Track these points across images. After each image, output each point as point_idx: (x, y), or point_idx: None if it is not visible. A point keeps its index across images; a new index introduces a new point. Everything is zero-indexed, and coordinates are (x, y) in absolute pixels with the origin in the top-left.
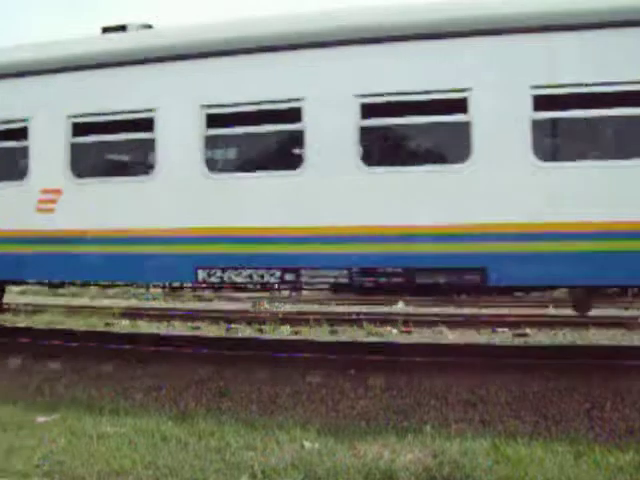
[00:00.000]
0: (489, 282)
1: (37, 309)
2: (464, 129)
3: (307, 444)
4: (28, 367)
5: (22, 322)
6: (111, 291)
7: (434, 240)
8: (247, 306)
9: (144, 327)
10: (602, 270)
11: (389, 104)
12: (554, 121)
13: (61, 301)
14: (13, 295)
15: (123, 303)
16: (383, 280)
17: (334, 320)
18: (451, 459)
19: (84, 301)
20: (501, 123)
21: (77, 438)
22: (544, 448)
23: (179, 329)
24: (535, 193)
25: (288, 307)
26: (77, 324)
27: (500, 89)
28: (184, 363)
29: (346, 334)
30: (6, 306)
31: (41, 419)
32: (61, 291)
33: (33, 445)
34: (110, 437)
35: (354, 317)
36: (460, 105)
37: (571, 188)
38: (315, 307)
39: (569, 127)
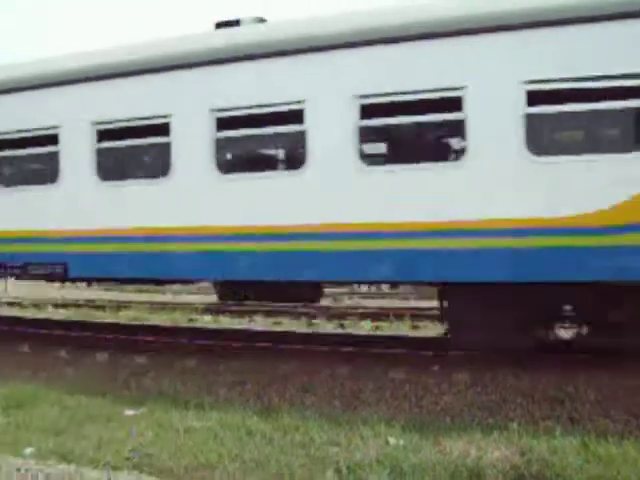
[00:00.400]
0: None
1: (122, 305)
2: None
3: (392, 440)
4: (115, 361)
5: (108, 318)
6: (193, 287)
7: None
8: (327, 302)
9: (226, 323)
10: None
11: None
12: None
13: (145, 297)
14: (101, 291)
15: (205, 299)
16: None
17: (415, 316)
18: (539, 457)
19: (167, 297)
20: None
21: (164, 431)
22: (636, 448)
23: (261, 324)
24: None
25: (369, 302)
26: (161, 320)
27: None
28: (266, 358)
29: (428, 329)
30: (92, 303)
31: (129, 412)
32: (144, 287)
33: (122, 437)
34: (196, 431)
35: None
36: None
37: None
38: (396, 302)
39: None
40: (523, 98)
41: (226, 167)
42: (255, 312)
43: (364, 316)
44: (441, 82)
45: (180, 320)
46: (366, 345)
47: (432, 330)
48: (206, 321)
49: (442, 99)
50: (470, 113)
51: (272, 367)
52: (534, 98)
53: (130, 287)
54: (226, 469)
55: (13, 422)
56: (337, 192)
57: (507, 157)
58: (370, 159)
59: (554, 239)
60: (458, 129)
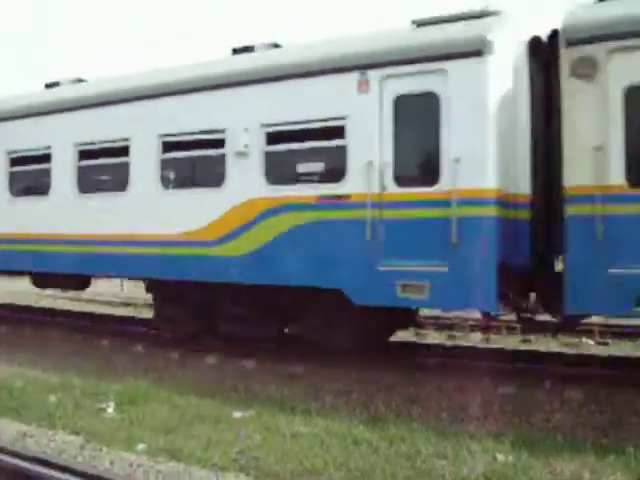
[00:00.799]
0: None
1: None
2: None
3: (500, 456)
4: (224, 365)
5: None
6: None
7: None
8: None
9: None
10: None
11: None
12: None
13: None
14: None
15: None
16: None
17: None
18: None
19: None
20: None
21: (271, 435)
22: None
23: None
24: None
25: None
26: None
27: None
28: (373, 368)
29: (539, 343)
30: None
31: (237, 414)
32: None
33: (230, 439)
34: (303, 436)
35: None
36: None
37: None
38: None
39: None
40: (160, 147)
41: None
42: None
43: (474, 327)
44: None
45: None
46: (475, 358)
47: (543, 344)
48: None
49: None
50: (132, 158)
51: (378, 376)
52: (166, 147)
53: None
54: (331, 477)
55: (126, 418)
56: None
57: (151, 189)
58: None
59: (177, 249)
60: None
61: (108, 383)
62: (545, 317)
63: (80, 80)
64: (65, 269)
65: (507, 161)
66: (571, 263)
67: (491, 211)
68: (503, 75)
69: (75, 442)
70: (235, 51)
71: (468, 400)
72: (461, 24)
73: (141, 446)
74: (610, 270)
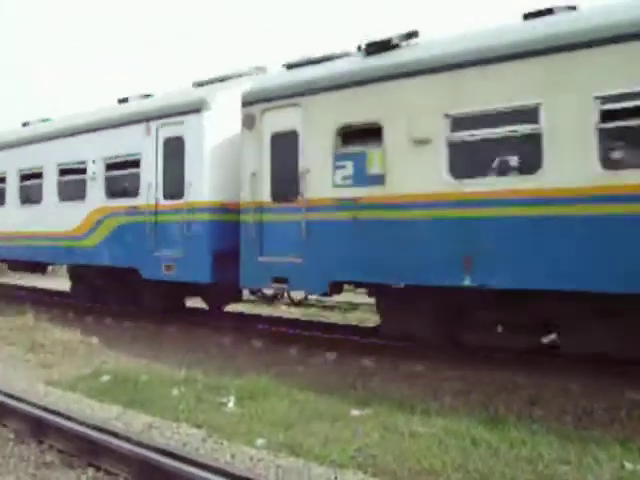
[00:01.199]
0: None
1: (351, 307)
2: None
3: (628, 465)
4: (342, 362)
5: (336, 318)
6: None
7: None
8: None
9: None
10: None
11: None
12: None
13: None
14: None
15: None
16: None
17: None
18: None
19: None
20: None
21: (389, 434)
22: None
23: None
24: None
25: None
26: None
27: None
28: (493, 367)
29: None
30: (322, 303)
31: (355, 412)
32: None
33: (348, 437)
34: (421, 436)
35: None
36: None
37: None
38: None
39: None
40: (57, 172)
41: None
42: None
43: None
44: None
45: None
46: (601, 360)
47: None
48: None
49: None
50: (44, 179)
51: (498, 376)
52: (61, 172)
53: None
54: (449, 478)
55: (247, 413)
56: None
57: (55, 201)
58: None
59: (67, 242)
60: None
61: (229, 378)
62: None
63: (45, 120)
64: (20, 257)
65: (224, 182)
66: (242, 253)
67: (206, 216)
68: (222, 124)
69: (197, 435)
70: (120, 100)
71: (592, 404)
72: (202, 89)
73: (260, 441)
74: (259, 258)
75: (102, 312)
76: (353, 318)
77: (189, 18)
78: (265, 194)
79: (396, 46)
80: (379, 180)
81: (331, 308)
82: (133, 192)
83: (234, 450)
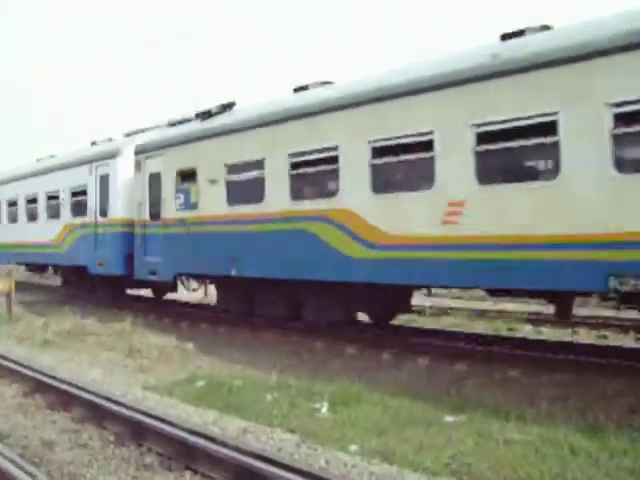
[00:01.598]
0: None
1: (442, 312)
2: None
3: None
4: (435, 367)
5: (429, 324)
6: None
7: None
8: None
9: (547, 333)
10: None
11: None
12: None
13: (462, 304)
14: (421, 296)
15: (526, 308)
16: None
17: None
18: None
19: (486, 305)
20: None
21: (484, 441)
22: None
23: (584, 337)
24: None
25: None
26: (480, 327)
27: None
28: (591, 374)
29: None
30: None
31: (449, 418)
32: (462, 294)
33: (441, 443)
34: (516, 444)
35: None
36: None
37: None
38: None
39: None
40: (45, 198)
41: (10, 220)
42: (578, 324)
43: None
44: None
45: (501, 328)
46: None
47: None
48: (527, 331)
49: None
50: (38, 204)
51: (597, 383)
52: (48, 198)
53: (453, 293)
54: None
55: (339, 419)
56: None
57: (44, 218)
58: None
59: (49, 248)
60: None
61: (322, 383)
62: None
63: (52, 156)
64: (29, 261)
65: (130, 206)
66: (135, 254)
67: (119, 228)
68: (129, 166)
69: (291, 440)
70: (92, 143)
71: None
72: (125, 139)
73: (354, 447)
74: (144, 258)
75: (198, 318)
76: (446, 323)
77: (189, 18)
78: (146, 214)
79: (215, 114)
80: (195, 206)
81: (423, 313)
82: (84, 212)
83: (328, 456)
